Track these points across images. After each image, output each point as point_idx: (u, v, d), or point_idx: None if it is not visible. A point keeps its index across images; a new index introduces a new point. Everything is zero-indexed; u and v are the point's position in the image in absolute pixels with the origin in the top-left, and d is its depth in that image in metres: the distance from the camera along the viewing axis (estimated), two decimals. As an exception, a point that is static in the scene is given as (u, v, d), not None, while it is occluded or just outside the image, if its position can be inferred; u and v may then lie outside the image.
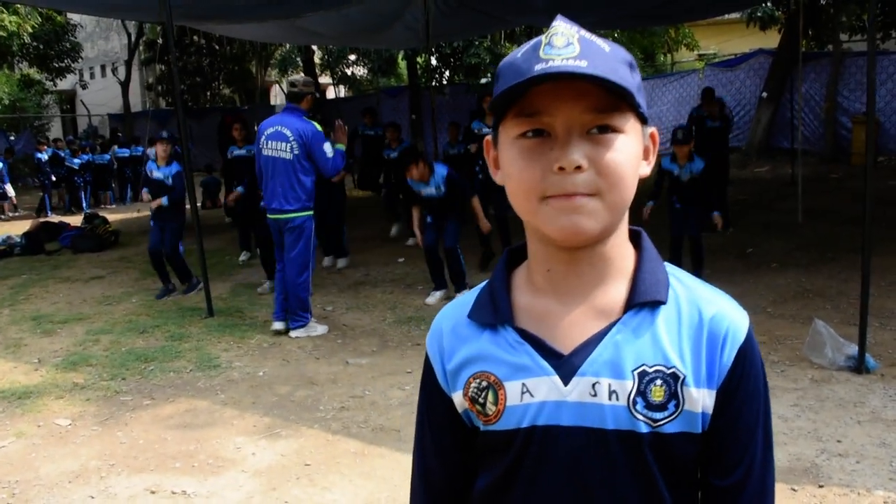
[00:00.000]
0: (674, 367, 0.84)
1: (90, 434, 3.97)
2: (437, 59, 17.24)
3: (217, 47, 24.23)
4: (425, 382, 0.99)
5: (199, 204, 8.42)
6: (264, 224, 5.75)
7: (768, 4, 14.77)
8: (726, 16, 17.78)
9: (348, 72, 23.53)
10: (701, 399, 0.85)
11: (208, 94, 26.14)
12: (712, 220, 6.09)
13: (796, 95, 11.23)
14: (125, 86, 24.30)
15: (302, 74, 15.35)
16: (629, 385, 0.84)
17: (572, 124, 0.80)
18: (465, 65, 16.73)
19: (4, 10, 19.51)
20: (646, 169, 0.87)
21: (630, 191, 0.83)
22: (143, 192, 7.16)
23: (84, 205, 15.60)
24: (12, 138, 21.97)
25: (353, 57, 22.45)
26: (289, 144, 5.32)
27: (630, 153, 0.82)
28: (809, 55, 13.66)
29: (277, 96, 29.26)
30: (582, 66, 0.76)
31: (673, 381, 0.84)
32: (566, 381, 0.85)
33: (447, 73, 19.22)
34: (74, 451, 3.76)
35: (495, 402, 0.89)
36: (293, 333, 5.49)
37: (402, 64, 21.54)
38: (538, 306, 0.89)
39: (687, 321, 0.86)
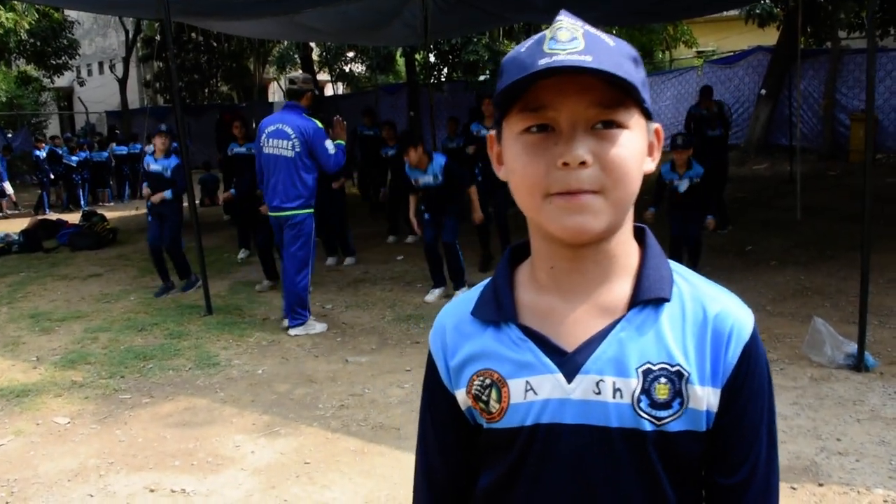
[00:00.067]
0: (678, 364, 0.83)
1: (89, 432, 3.96)
2: (435, 56, 17.21)
3: (215, 44, 24.19)
4: (428, 380, 0.99)
5: (197, 201, 8.40)
6: (264, 227, 5.73)
7: (767, 1, 14.76)
8: (725, 13, 17.76)
9: (346, 69, 23.53)
10: (705, 397, 0.84)
11: (206, 91, 26.10)
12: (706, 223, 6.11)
13: (795, 92, 11.22)
14: (123, 83, 24.27)
15: (301, 71, 15.38)
16: (633, 383, 0.83)
17: (577, 119, 0.79)
18: (464, 62, 16.71)
19: (1, 7, 19.44)
20: (650, 165, 0.87)
21: (634, 187, 0.82)
22: (143, 187, 7.12)
23: (82, 202, 15.59)
24: (10, 135, 21.94)
25: (351, 54, 22.45)
26: (290, 142, 5.31)
27: (635, 149, 0.82)
28: (808, 52, 13.67)
29: (275, 93, 29.19)
30: (587, 60, 0.76)
31: (677, 379, 0.83)
32: (570, 379, 0.84)
33: (445, 70, 19.18)
34: (73, 450, 3.75)
35: (499, 400, 0.88)
36: (292, 331, 5.48)
37: (401, 61, 21.49)
38: (542, 303, 0.89)
39: (691, 319, 0.85)
